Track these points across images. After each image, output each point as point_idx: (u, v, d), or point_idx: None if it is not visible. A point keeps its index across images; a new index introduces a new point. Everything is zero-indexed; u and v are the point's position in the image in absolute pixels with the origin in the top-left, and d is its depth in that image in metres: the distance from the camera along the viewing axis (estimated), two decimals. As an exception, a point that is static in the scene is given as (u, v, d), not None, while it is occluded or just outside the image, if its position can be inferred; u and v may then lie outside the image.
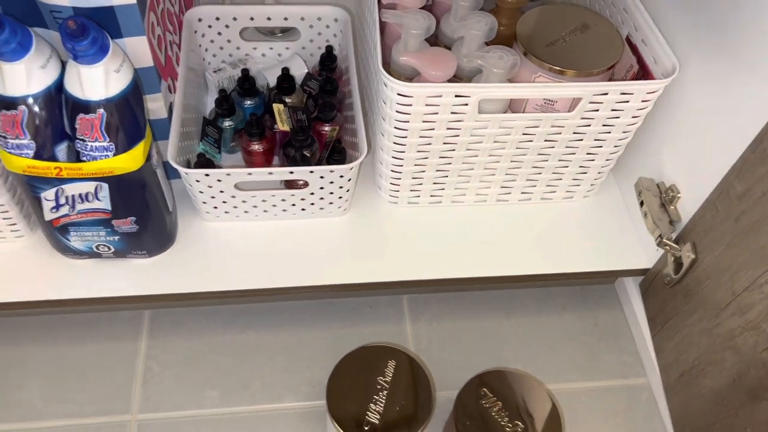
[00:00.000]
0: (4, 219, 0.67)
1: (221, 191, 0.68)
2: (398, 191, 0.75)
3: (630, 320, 0.82)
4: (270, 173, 0.67)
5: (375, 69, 0.67)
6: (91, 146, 0.58)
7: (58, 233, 0.65)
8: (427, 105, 0.63)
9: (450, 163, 0.71)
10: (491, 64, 0.64)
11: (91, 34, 0.52)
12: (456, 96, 0.63)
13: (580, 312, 0.84)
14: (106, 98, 0.56)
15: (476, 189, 0.76)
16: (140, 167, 0.61)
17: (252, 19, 0.80)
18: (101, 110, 0.56)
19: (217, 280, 0.70)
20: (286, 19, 0.81)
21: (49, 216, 0.63)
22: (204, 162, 0.70)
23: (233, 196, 0.70)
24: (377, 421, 0.61)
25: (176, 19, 0.74)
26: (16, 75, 0.55)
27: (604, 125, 0.68)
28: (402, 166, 0.71)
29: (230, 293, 0.71)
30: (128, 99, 0.58)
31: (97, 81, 0.56)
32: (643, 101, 0.66)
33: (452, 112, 0.64)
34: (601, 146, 0.71)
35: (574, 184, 0.77)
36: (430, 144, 0.68)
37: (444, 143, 0.68)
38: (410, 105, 0.63)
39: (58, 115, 0.58)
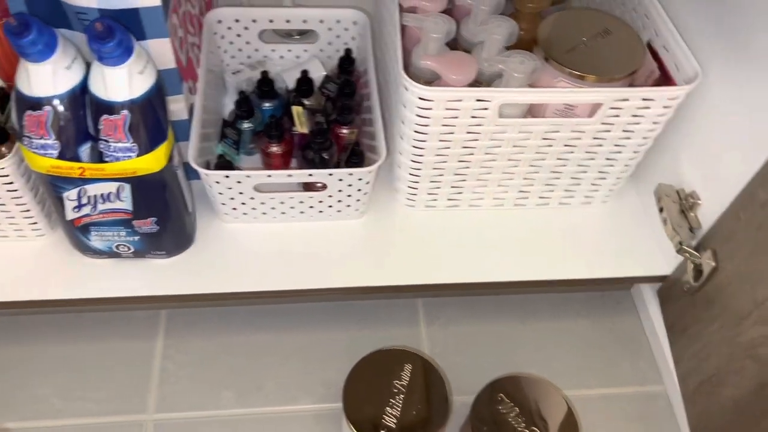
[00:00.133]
0: (25, 218, 0.68)
1: (240, 193, 0.69)
2: (416, 194, 0.75)
3: (647, 327, 0.82)
4: (289, 175, 0.67)
5: (395, 72, 0.67)
6: (115, 147, 0.58)
7: (79, 233, 0.66)
8: (447, 109, 0.63)
9: (468, 167, 0.71)
10: (512, 68, 0.64)
11: (117, 36, 0.53)
12: (477, 100, 0.63)
13: (596, 318, 0.83)
14: (129, 99, 0.57)
15: (494, 193, 0.76)
16: (162, 168, 0.61)
17: (271, 21, 0.81)
18: (125, 111, 0.57)
19: (234, 281, 0.71)
20: (305, 21, 0.81)
21: (70, 216, 0.63)
22: (224, 164, 0.70)
23: (252, 198, 0.70)
24: (393, 425, 0.61)
25: (197, 20, 0.75)
26: (42, 76, 0.55)
27: (624, 131, 0.68)
28: (420, 169, 0.71)
29: (247, 294, 0.71)
30: (151, 100, 0.58)
31: (121, 82, 0.56)
32: (664, 107, 0.65)
33: (472, 116, 0.64)
34: (620, 152, 0.71)
35: (593, 190, 0.77)
36: (448, 148, 0.68)
37: (463, 147, 0.68)
38: (430, 109, 0.63)
39: (82, 116, 0.58)
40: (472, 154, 0.69)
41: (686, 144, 0.72)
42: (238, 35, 0.82)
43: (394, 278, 0.72)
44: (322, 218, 0.75)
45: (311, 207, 0.72)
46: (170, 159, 0.62)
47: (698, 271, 0.68)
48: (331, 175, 0.67)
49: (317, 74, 0.81)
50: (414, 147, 0.68)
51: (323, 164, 0.70)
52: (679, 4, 0.71)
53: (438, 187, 0.74)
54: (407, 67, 0.69)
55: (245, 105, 0.75)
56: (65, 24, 0.59)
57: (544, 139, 0.68)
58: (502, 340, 0.81)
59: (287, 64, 0.85)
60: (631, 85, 0.69)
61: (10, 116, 0.66)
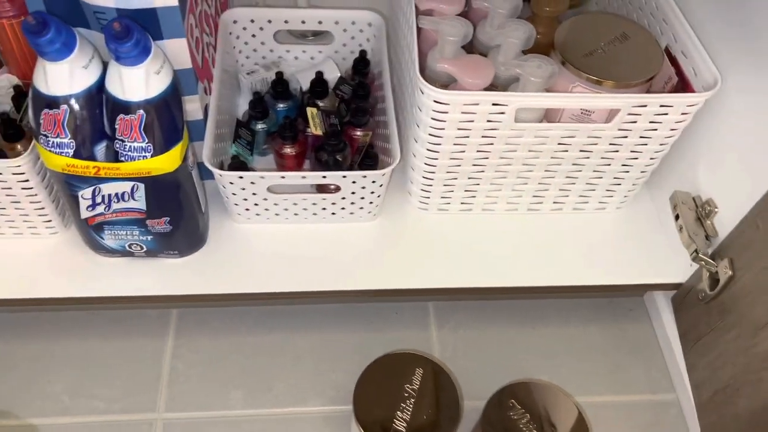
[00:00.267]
0: (39, 215, 0.68)
1: (254, 194, 0.69)
2: (429, 198, 0.75)
3: (659, 334, 0.81)
4: (303, 177, 0.67)
5: (410, 75, 0.67)
6: (130, 146, 0.58)
7: (92, 231, 0.66)
8: (462, 113, 0.63)
9: (483, 171, 0.71)
10: (529, 72, 0.63)
11: (134, 36, 0.53)
12: (493, 104, 0.62)
13: (608, 324, 0.83)
14: (146, 99, 0.57)
15: (508, 197, 0.75)
16: (177, 168, 0.61)
17: (286, 22, 0.81)
18: (141, 111, 0.57)
19: (246, 282, 0.71)
20: (320, 22, 0.81)
21: (85, 214, 0.64)
22: (237, 164, 0.70)
23: (265, 199, 0.70)
24: (404, 429, 0.61)
25: (212, 20, 0.75)
26: (59, 75, 0.55)
27: (641, 137, 0.67)
28: (434, 173, 0.71)
29: (259, 295, 0.71)
30: (167, 100, 0.58)
31: (138, 82, 0.56)
32: (682, 114, 0.65)
33: (488, 120, 0.64)
34: (636, 158, 0.70)
35: (608, 195, 0.76)
36: (463, 152, 0.68)
37: (478, 151, 0.68)
38: (446, 112, 0.63)
39: (98, 115, 0.58)
40: (486, 158, 0.69)
41: (703, 150, 0.71)
42: (253, 36, 0.82)
43: (405, 281, 0.72)
44: (334, 220, 0.75)
45: (324, 209, 0.72)
46: (185, 159, 0.62)
47: (714, 279, 0.67)
48: (344, 177, 0.67)
49: (332, 76, 0.81)
50: (428, 150, 0.68)
51: (337, 166, 0.70)
52: (698, 8, 0.70)
53: (451, 191, 0.74)
54: (423, 70, 0.68)
55: (260, 106, 0.75)
56: (83, 23, 0.59)
57: (560, 144, 0.68)
58: (512, 344, 0.80)
59: (302, 65, 0.85)
60: (648, 90, 0.68)
61: (26, 114, 0.66)
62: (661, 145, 0.69)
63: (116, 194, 0.62)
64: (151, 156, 0.59)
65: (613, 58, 0.66)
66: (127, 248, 0.68)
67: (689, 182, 0.73)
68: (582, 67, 0.65)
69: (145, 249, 0.68)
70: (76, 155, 0.58)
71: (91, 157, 0.59)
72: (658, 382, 0.78)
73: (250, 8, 0.80)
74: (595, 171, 0.72)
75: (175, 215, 0.65)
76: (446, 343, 0.80)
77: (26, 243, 0.71)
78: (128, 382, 0.74)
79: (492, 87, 0.66)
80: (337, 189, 0.69)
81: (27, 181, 0.63)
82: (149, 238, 0.67)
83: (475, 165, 0.70)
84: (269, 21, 0.81)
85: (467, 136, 0.66)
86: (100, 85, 0.57)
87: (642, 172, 0.73)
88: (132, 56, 0.54)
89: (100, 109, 0.58)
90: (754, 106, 0.63)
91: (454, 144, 0.67)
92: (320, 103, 0.77)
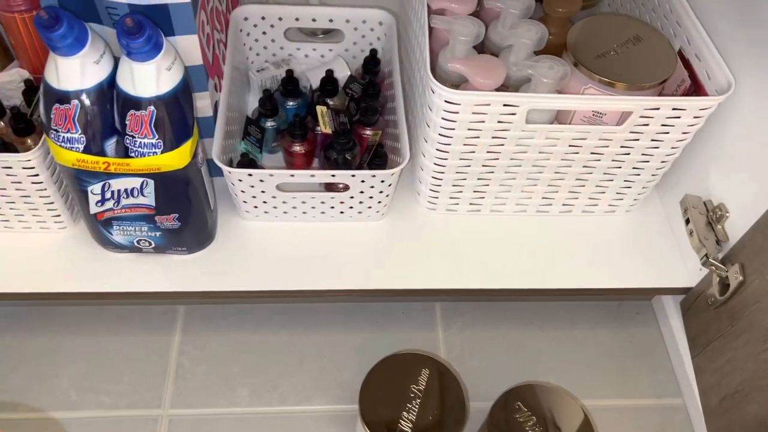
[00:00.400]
0: (48, 210, 0.68)
1: (263, 191, 0.69)
2: (437, 198, 0.75)
3: (667, 339, 0.81)
4: (312, 175, 0.67)
5: (421, 74, 0.67)
6: (140, 142, 0.58)
7: (101, 227, 0.66)
8: (473, 113, 0.63)
9: (492, 172, 0.71)
10: (541, 73, 0.63)
11: (146, 31, 0.53)
12: (504, 105, 0.62)
13: (615, 327, 0.82)
14: (156, 95, 0.57)
15: (517, 199, 0.75)
16: (186, 165, 0.61)
17: (297, 19, 0.80)
18: (151, 107, 0.57)
19: (253, 280, 0.70)
20: (331, 20, 0.81)
21: (94, 209, 0.64)
22: (247, 162, 0.70)
23: (274, 197, 0.70)
24: (409, 430, 0.61)
25: (223, 17, 0.75)
26: (71, 70, 0.55)
27: (652, 140, 0.67)
28: (443, 173, 0.71)
29: (266, 293, 0.71)
30: (178, 97, 0.58)
31: (149, 78, 0.56)
32: (694, 117, 0.64)
33: (499, 121, 0.64)
34: (648, 161, 0.70)
35: (618, 198, 0.76)
36: (473, 152, 0.68)
37: (488, 152, 0.68)
38: (457, 112, 0.63)
39: (108, 111, 0.58)
40: (496, 159, 0.69)
41: (715, 154, 0.71)
42: (264, 33, 0.82)
43: (412, 282, 0.72)
44: (342, 219, 0.74)
45: (332, 207, 0.72)
46: (194, 156, 0.62)
47: (724, 284, 0.67)
48: (353, 176, 0.67)
49: (342, 74, 0.81)
50: (438, 150, 0.68)
51: (346, 165, 0.70)
52: (712, 11, 0.69)
53: (460, 191, 0.74)
54: (434, 70, 0.68)
55: (269, 103, 0.75)
56: (95, 18, 0.59)
57: (571, 146, 0.67)
58: (518, 346, 0.80)
59: (312, 63, 0.85)
60: (661, 93, 0.68)
61: (36, 108, 0.66)
62: (672, 148, 0.68)
63: (126, 190, 0.62)
64: (161, 152, 0.59)
65: (625, 60, 0.66)
66: (136, 244, 0.68)
67: (700, 186, 0.73)
68: (594, 68, 0.64)
69: (153, 245, 0.68)
70: (87, 150, 0.58)
71: (101, 153, 0.59)
72: (665, 386, 0.78)
73: (261, 5, 0.80)
74: (605, 173, 0.71)
75: (184, 212, 0.65)
76: (453, 343, 0.80)
77: (35, 237, 0.71)
78: (135, 378, 0.74)
79: (503, 88, 0.66)
80: (346, 188, 0.69)
81: (37, 175, 0.63)
82: (158, 234, 0.67)
83: (484, 166, 0.70)
84: (280, 18, 0.80)
85: (477, 137, 0.65)
86: (111, 81, 0.57)
87: (653, 175, 0.72)
88: (143, 52, 0.54)
89: (110, 105, 0.58)
90: (767, 110, 0.62)
91: (464, 144, 0.66)
92: (330, 102, 0.77)
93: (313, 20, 0.80)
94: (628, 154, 0.69)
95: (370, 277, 0.72)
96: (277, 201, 0.70)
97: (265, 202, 0.71)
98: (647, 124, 0.65)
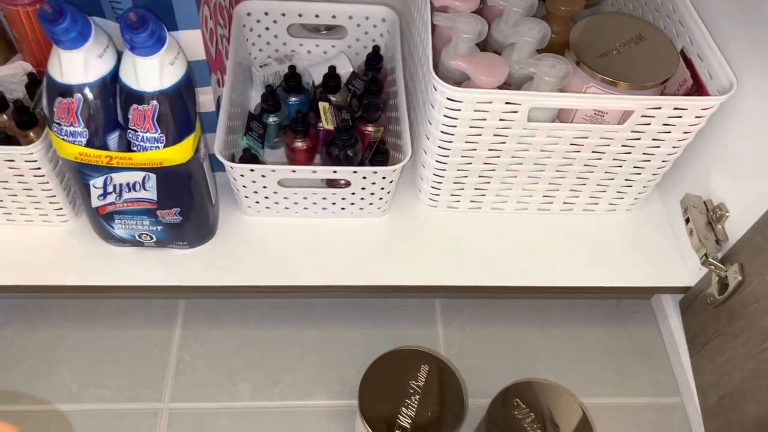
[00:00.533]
0: (50, 203, 0.68)
1: (264, 187, 0.69)
2: (438, 195, 0.75)
3: (666, 337, 0.81)
4: (314, 171, 0.67)
5: (424, 72, 0.67)
6: (143, 137, 0.58)
7: (103, 220, 0.66)
8: (475, 111, 0.63)
9: (494, 170, 0.71)
10: (543, 72, 0.63)
11: (150, 26, 0.53)
12: (506, 103, 0.62)
13: (614, 326, 0.83)
14: (159, 90, 0.57)
15: (518, 197, 0.75)
16: (188, 159, 0.61)
17: (300, 15, 0.81)
18: (154, 101, 0.57)
19: (254, 275, 0.71)
20: (334, 16, 0.81)
21: (96, 203, 0.64)
22: (249, 157, 0.70)
23: (275, 192, 0.70)
24: (408, 426, 0.61)
25: (226, 12, 0.75)
26: (74, 63, 0.55)
27: (653, 140, 0.67)
28: (445, 170, 0.71)
29: (266, 288, 0.71)
30: (181, 91, 0.58)
31: (152, 72, 0.56)
32: (696, 117, 0.64)
33: (501, 119, 0.64)
34: (649, 160, 0.70)
35: (618, 197, 0.76)
36: (475, 150, 0.68)
37: (489, 150, 0.68)
38: (459, 110, 0.63)
39: (111, 105, 0.58)
40: (498, 156, 0.69)
41: (716, 154, 0.71)
42: (267, 28, 0.82)
43: (413, 278, 0.72)
44: (344, 215, 0.75)
45: (334, 203, 0.72)
46: (197, 150, 0.62)
47: (723, 284, 0.67)
48: (355, 172, 0.67)
49: (344, 70, 0.81)
50: (440, 147, 0.68)
51: (348, 161, 0.70)
52: (714, 10, 0.69)
53: (461, 189, 0.74)
54: (436, 67, 0.68)
55: (272, 99, 0.75)
56: (98, 12, 0.59)
57: (573, 144, 0.67)
58: (518, 344, 0.80)
59: (314, 59, 0.85)
60: (662, 93, 0.68)
61: (39, 102, 0.66)
62: (673, 147, 0.68)
63: (128, 184, 0.62)
64: (164, 147, 0.59)
65: (628, 60, 0.66)
66: (137, 238, 0.68)
67: (701, 186, 0.73)
68: (596, 67, 0.64)
69: (154, 239, 0.68)
70: (89, 144, 0.59)
71: (104, 147, 0.59)
72: (663, 385, 0.78)
73: (264, 1, 0.80)
74: (606, 172, 0.72)
75: (186, 206, 0.65)
76: (452, 340, 0.80)
77: (37, 230, 0.72)
78: (135, 371, 0.75)
79: (505, 86, 0.66)
80: (348, 184, 0.69)
81: (39, 168, 0.64)
82: (159, 228, 0.67)
83: (486, 163, 0.70)
84: (283, 14, 0.81)
85: (479, 135, 0.66)
86: (114, 75, 0.58)
87: (654, 174, 0.72)
88: (147, 46, 0.54)
89: (113, 99, 0.58)
90: (769, 110, 0.63)
91: (466, 142, 0.66)
92: (332, 98, 0.77)
93: (317, 16, 0.80)
94: (630, 153, 0.69)
95: (370, 274, 0.72)
96: (279, 196, 0.71)
97: (266, 197, 0.71)
98: (649, 124, 0.65)
